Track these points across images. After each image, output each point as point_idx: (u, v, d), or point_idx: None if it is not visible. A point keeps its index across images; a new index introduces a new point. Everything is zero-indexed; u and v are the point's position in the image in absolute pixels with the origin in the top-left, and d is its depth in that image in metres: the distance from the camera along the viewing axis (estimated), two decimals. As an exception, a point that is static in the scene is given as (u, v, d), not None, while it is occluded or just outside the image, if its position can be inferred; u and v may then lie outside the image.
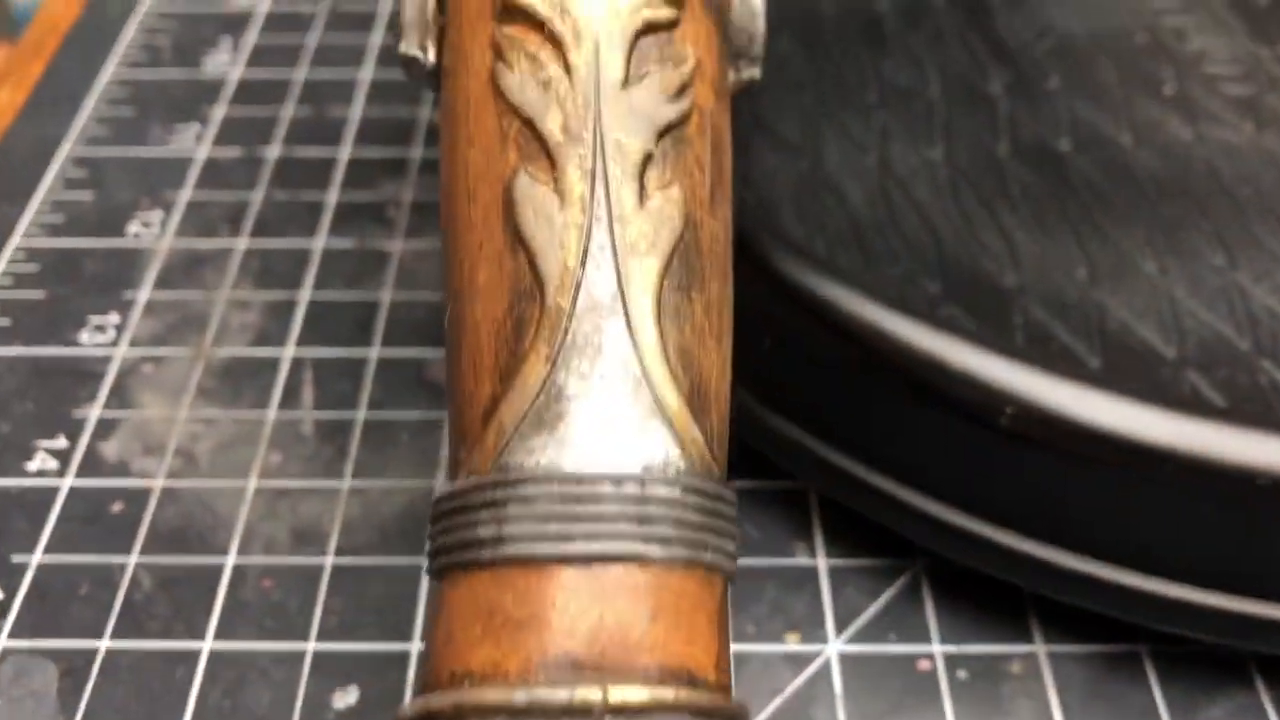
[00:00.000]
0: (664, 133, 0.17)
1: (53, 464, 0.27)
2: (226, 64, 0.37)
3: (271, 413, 0.28)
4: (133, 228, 0.32)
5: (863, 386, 0.23)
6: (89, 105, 0.36)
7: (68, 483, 0.26)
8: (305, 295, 0.30)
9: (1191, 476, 0.21)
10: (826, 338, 0.23)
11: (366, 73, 0.37)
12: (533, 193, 0.16)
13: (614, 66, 0.17)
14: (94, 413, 0.28)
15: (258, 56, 0.37)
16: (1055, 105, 0.30)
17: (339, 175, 0.33)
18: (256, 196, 0.33)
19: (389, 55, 0.37)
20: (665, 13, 0.18)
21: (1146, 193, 0.28)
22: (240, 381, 0.28)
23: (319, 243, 0.32)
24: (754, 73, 0.20)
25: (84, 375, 0.28)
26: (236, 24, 0.39)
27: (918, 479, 0.24)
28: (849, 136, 0.29)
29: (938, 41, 0.32)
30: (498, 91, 0.17)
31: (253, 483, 0.26)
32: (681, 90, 0.18)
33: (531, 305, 0.16)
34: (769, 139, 0.29)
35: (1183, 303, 0.26)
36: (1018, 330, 0.25)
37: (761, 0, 0.20)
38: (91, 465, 0.27)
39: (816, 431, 0.24)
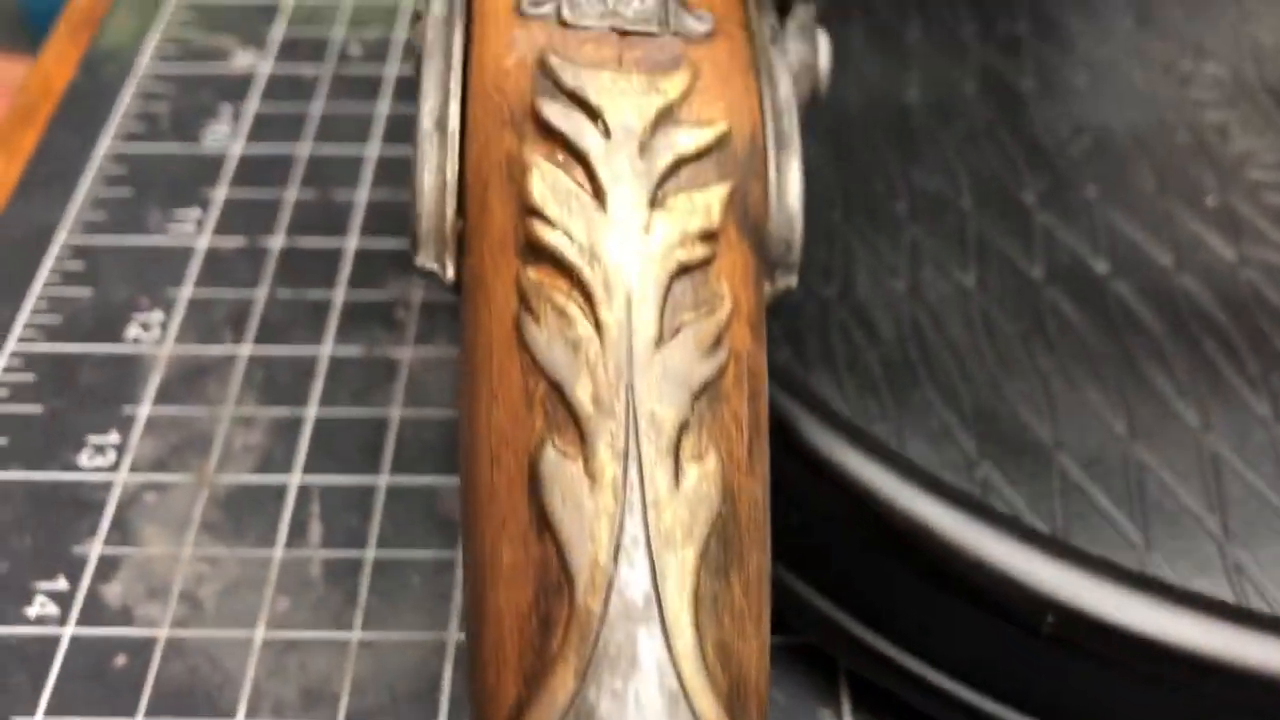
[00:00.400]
0: (700, 393, 0.16)
1: (53, 609, 0.26)
2: (227, 137, 0.36)
3: (278, 551, 0.27)
4: (132, 330, 0.31)
5: (895, 570, 0.22)
6: (84, 184, 0.34)
7: (69, 631, 0.25)
8: (311, 412, 0.29)
9: (1240, 688, 0.21)
10: (859, 520, 0.22)
11: (373, 149, 0.35)
12: (561, 472, 0.15)
13: (647, 323, 0.16)
14: (95, 549, 0.27)
15: (259, 128, 0.36)
16: (1092, 218, 0.29)
17: (345, 270, 0.32)
18: (260, 294, 0.32)
19: (395, 128, 0.36)
20: (700, 251, 0.17)
21: (1188, 324, 0.27)
22: (245, 514, 0.27)
23: (325, 350, 0.30)
24: (790, 281, 0.19)
25: (84, 505, 0.28)
26: (237, 88, 0.37)
27: (950, 664, 0.23)
28: (878, 256, 0.28)
29: (969, 141, 0.31)
30: (523, 344, 0.16)
31: (260, 633, 0.25)
32: (717, 341, 0.16)
33: (559, 602, 0.15)
34: (795, 260, 0.28)
35: (1227, 461, 0.25)
36: (1055, 496, 0.24)
37: (800, 203, 0.19)
38: (93, 611, 0.26)
39: (845, 606, 0.23)
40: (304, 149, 0.35)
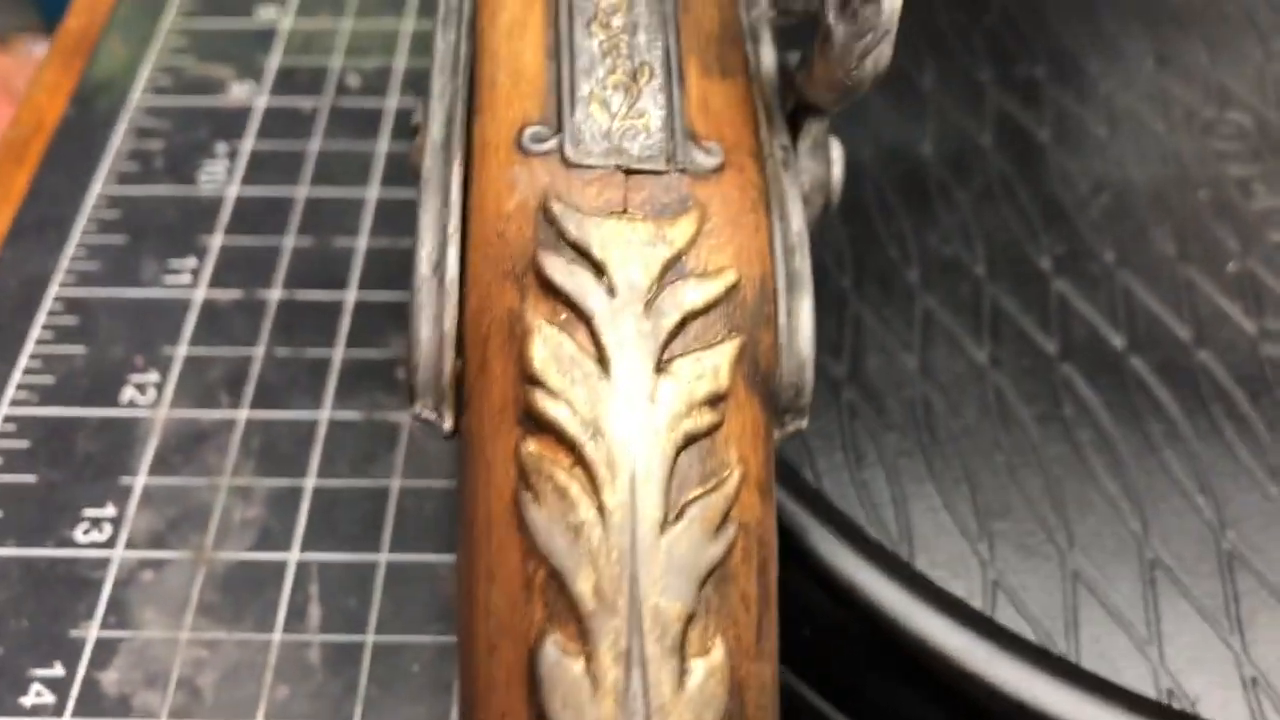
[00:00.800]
0: (706, 578, 0.15)
1: (50, 698, 0.26)
2: (223, 178, 0.35)
3: (277, 635, 0.26)
4: (127, 393, 0.30)
5: (910, 691, 0.22)
6: (77, 230, 0.33)
7: (66, 723, 0.25)
8: (310, 483, 0.29)
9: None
10: (872, 640, 0.22)
11: (373, 191, 0.35)
12: (562, 674, 0.15)
13: (652, 505, 0.15)
14: (92, 633, 0.26)
15: (256, 168, 0.35)
16: (1111, 286, 0.28)
17: (344, 326, 0.32)
18: (257, 352, 0.31)
19: (394, 168, 0.35)
20: (708, 419, 0.16)
21: (1207, 405, 0.26)
22: (243, 594, 0.27)
23: (324, 414, 0.30)
24: (801, 424, 0.18)
25: (80, 583, 0.27)
26: (233, 124, 0.36)
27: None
28: (889, 328, 0.27)
29: (985, 199, 0.30)
30: (522, 524, 0.16)
31: (259, 724, 0.25)
32: (725, 517, 0.16)
33: None
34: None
35: (1247, 560, 0.24)
36: (1067, 601, 0.23)
37: (811, 346, 0.18)
38: (91, 700, 0.25)
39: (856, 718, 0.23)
40: (301, 191, 0.35)
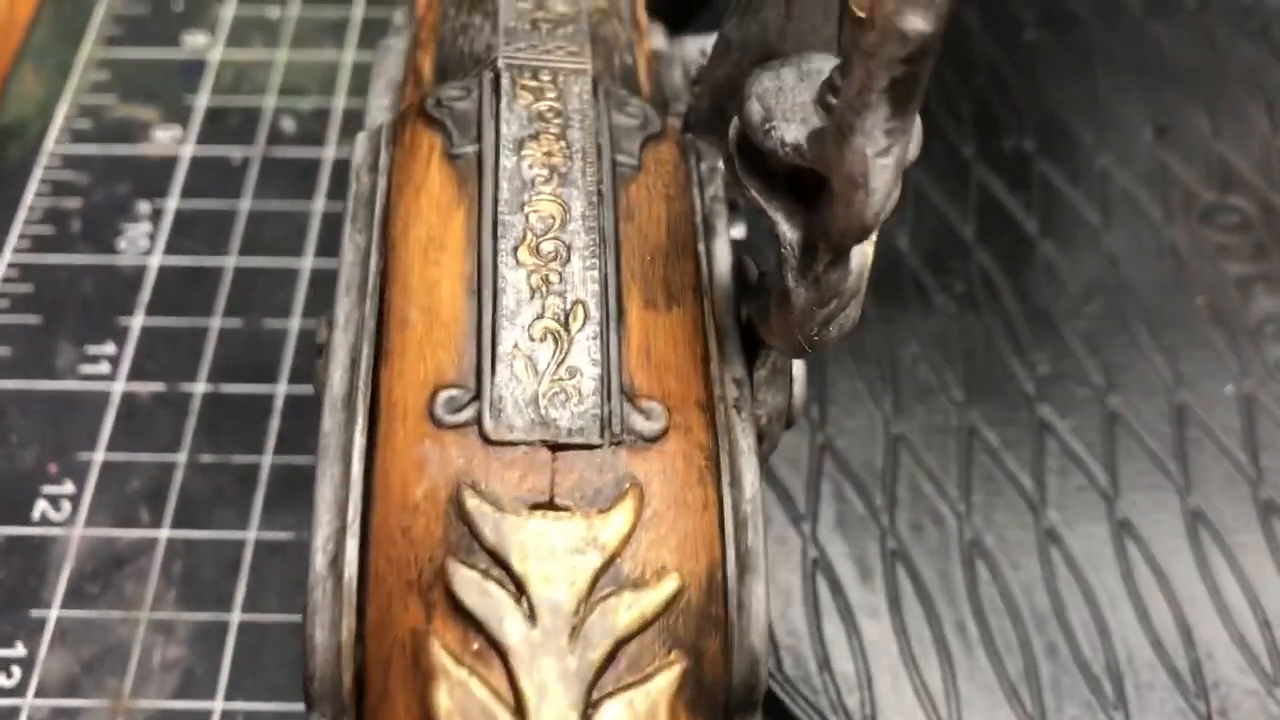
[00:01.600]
0: None
1: None
2: (145, 245, 0.32)
3: (199, 799, 0.25)
4: (40, 507, 0.28)
5: None
6: (-14, 308, 0.31)
7: None
8: (236, 618, 0.27)
9: None
10: None
11: (306, 262, 0.32)
12: None
13: None
14: (-1, 797, 0.25)
15: (181, 231, 0.32)
16: (1098, 414, 0.26)
17: (274, 425, 0.29)
18: (180, 459, 0.29)
19: (330, 234, 0.33)
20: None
21: (1207, 555, 0.25)
22: (164, 750, 0.25)
23: (251, 534, 0.28)
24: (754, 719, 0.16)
25: (-13, 736, 0.25)
26: (157, 177, 0.33)
27: None
28: (855, 482, 0.25)
29: (967, 306, 0.28)
30: None
31: None
32: None
33: None
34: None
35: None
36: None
37: (765, 640, 0.16)
38: None
39: None
40: (230, 261, 0.32)
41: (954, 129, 0.31)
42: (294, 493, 0.28)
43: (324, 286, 0.32)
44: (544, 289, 0.16)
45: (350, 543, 0.15)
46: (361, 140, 0.19)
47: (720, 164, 0.19)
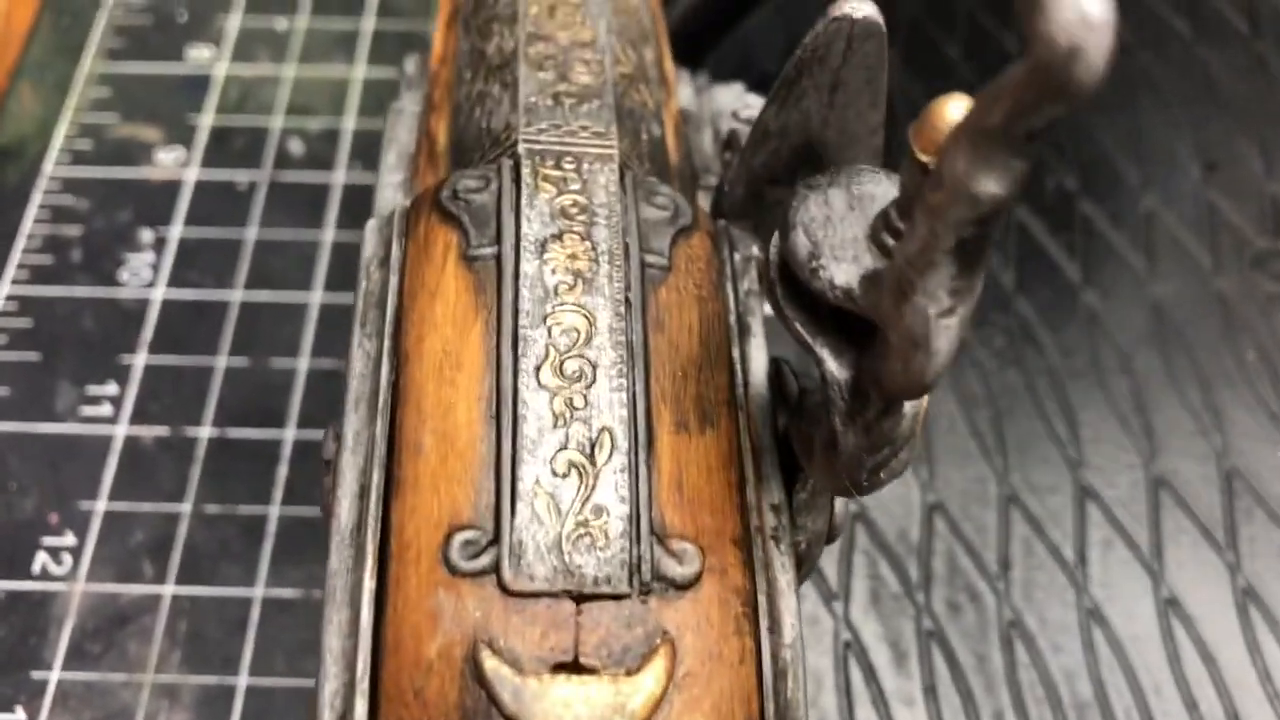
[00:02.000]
0: None
1: None
2: (148, 276, 0.31)
3: None
4: (40, 560, 0.27)
5: None
6: (-16, 343, 0.30)
7: None
8: (243, 681, 0.26)
9: None
10: None
11: (316, 294, 0.31)
12: None
13: None
14: None
15: (184, 262, 0.31)
16: (1138, 479, 0.25)
17: (281, 473, 0.28)
18: (184, 510, 0.28)
19: (340, 266, 0.31)
20: None
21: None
22: (168, 824, 0.24)
23: (258, 591, 0.27)
24: None
25: (-14, 808, 0.25)
26: (159, 203, 0.32)
27: None
28: (889, 556, 0.24)
29: (1009, 361, 0.27)
30: None
31: None
32: None
33: None
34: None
35: None
36: None
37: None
38: None
39: None
40: (235, 295, 0.31)
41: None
42: (302, 547, 0.27)
43: (333, 323, 0.30)
44: (568, 414, 0.15)
45: (359, 703, 0.14)
46: (372, 230, 0.18)
47: (755, 250, 0.18)
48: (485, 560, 0.14)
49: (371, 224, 0.18)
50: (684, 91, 0.23)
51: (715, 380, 0.16)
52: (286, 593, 0.27)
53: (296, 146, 0.33)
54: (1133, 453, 0.25)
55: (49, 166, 0.33)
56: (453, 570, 0.14)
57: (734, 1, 0.31)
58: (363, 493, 0.15)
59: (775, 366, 0.17)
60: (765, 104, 0.17)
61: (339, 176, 0.33)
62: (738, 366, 0.17)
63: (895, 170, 0.14)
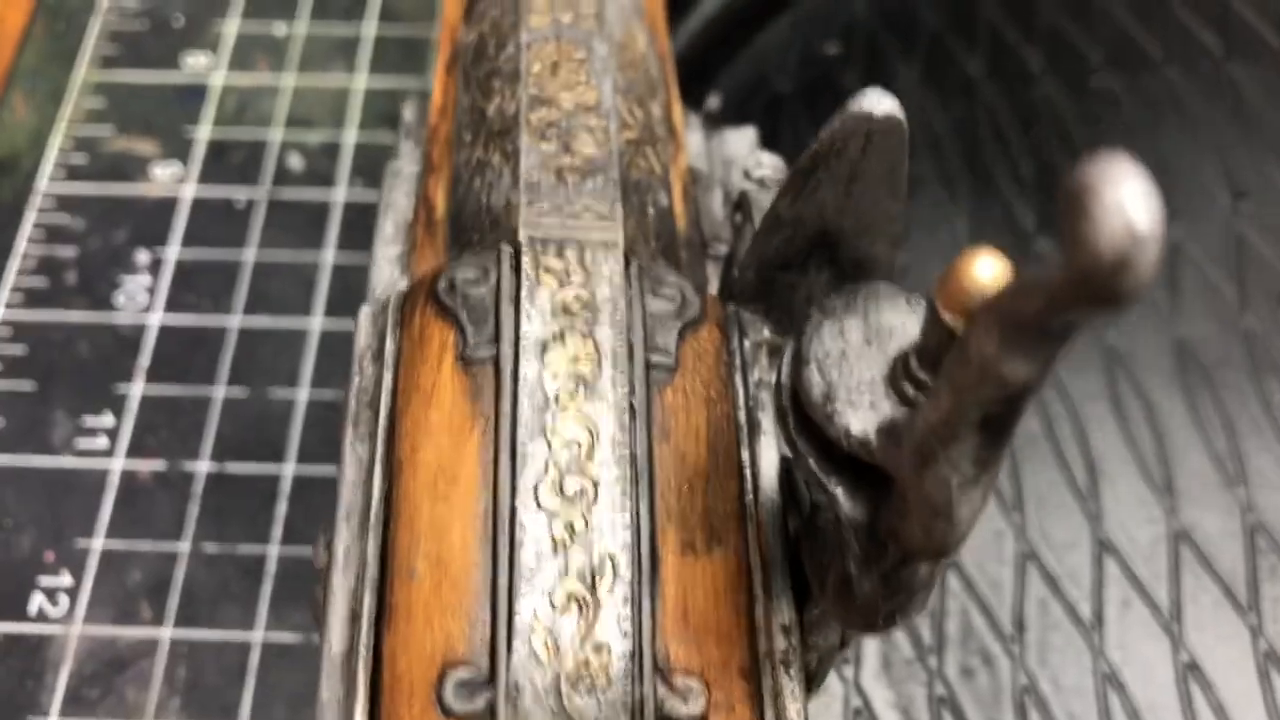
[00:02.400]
0: None
1: None
2: (144, 300, 0.30)
3: None
4: (37, 601, 0.27)
5: None
6: (-22, 371, 0.29)
7: None
8: (243, 729, 0.25)
9: None
10: None
11: (316, 320, 0.30)
12: None
13: None
14: None
15: (182, 285, 0.30)
16: (1158, 531, 0.24)
17: (281, 510, 0.28)
18: (183, 549, 0.27)
19: (340, 289, 0.30)
20: None
21: None
22: None
23: (258, 635, 0.26)
24: None
25: None
26: (156, 222, 0.31)
27: None
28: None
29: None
30: None
31: None
32: None
33: None
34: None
35: None
36: None
37: None
38: None
39: None
40: (234, 321, 0.30)
41: (1014, 192, 0.28)
42: (302, 588, 0.27)
43: (333, 351, 0.30)
44: (568, 539, 0.14)
45: None
46: (365, 319, 0.17)
47: (766, 334, 0.17)
48: (480, 703, 0.14)
49: (365, 311, 0.17)
50: (693, 138, 0.22)
51: (724, 490, 0.15)
52: (286, 637, 0.26)
53: (296, 161, 0.32)
54: (1154, 505, 0.25)
55: (43, 182, 0.32)
56: (446, 712, 0.14)
57: (746, 18, 0.30)
58: (353, 617, 0.15)
59: (786, 466, 0.16)
60: (779, 193, 0.16)
61: (339, 194, 0.32)
62: (747, 471, 0.16)
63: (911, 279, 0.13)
